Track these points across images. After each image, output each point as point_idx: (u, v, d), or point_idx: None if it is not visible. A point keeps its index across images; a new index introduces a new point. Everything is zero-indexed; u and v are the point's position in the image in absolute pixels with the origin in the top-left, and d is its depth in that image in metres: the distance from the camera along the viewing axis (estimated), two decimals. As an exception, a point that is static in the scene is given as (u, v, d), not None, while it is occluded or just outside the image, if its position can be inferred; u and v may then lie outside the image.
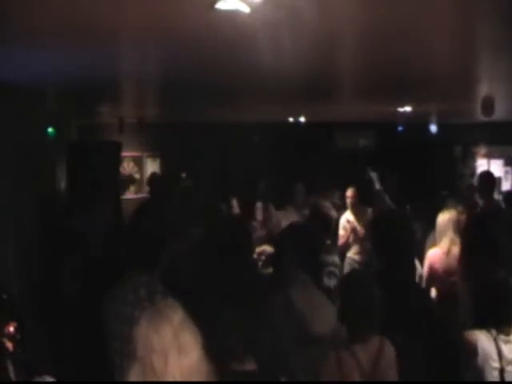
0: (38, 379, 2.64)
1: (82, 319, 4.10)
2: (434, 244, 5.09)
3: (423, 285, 4.86)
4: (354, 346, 2.96)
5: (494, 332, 3.19)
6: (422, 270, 5.10)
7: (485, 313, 3.27)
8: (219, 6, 2.98)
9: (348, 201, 7.73)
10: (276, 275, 4.16)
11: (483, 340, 3.19)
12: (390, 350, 3.00)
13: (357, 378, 2.92)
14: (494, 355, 3.14)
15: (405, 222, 3.89)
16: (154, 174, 9.51)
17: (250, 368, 2.72)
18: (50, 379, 2.66)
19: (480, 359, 3.16)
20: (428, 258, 4.93)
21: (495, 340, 3.17)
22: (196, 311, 2.40)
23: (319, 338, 3.41)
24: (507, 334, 3.19)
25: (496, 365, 3.14)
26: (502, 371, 3.14)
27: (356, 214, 7.55)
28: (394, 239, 3.61)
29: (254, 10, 3.05)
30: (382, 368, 2.95)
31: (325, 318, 3.46)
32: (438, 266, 4.78)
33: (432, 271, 4.84)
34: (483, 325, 3.24)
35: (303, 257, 3.71)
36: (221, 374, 2.44)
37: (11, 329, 2.86)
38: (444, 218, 4.99)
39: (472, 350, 3.18)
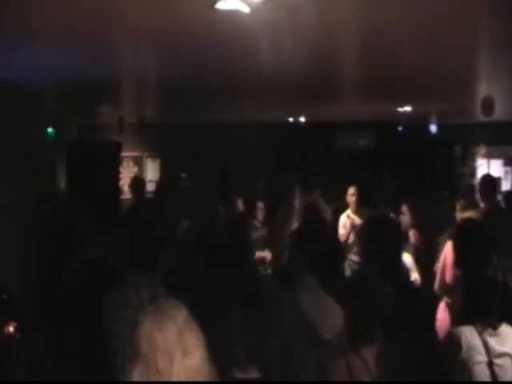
0: None
1: (82, 319, 4.10)
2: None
3: (437, 275, 5.00)
4: (362, 350, 2.91)
5: (479, 326, 3.21)
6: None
7: (473, 308, 3.31)
8: (219, 5, 2.98)
9: (349, 199, 7.74)
10: (286, 278, 4.16)
11: (467, 334, 3.21)
12: None
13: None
14: (480, 348, 3.16)
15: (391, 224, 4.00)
16: (136, 177, 9.52)
17: (253, 376, 2.67)
18: None
19: (464, 353, 3.18)
20: (445, 249, 5.04)
21: (480, 334, 3.19)
22: (197, 314, 2.40)
23: (326, 342, 3.40)
24: (494, 329, 3.21)
25: (482, 358, 3.15)
26: (490, 364, 3.15)
27: (357, 212, 7.55)
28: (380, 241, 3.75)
29: (254, 9, 3.05)
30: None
31: (332, 322, 3.45)
32: (451, 256, 4.84)
33: (444, 262, 4.94)
34: (471, 320, 3.27)
35: (314, 261, 3.71)
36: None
37: (11, 329, 2.86)
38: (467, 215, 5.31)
39: (456, 346, 3.21)
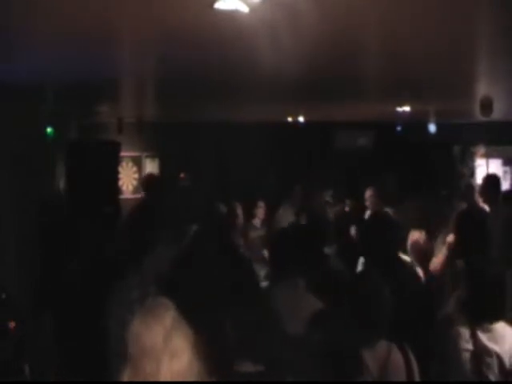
0: None
1: (84, 319, 4.11)
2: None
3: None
4: (363, 353, 2.80)
5: (472, 319, 3.21)
6: None
7: (469, 305, 3.29)
8: (218, 5, 2.99)
9: (368, 201, 7.53)
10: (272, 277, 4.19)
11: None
12: (397, 358, 2.89)
13: None
14: (466, 337, 3.16)
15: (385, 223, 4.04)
16: (149, 176, 9.45)
17: (253, 369, 2.65)
18: None
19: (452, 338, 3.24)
20: None
21: (471, 325, 3.18)
22: (194, 312, 2.40)
23: (294, 340, 3.42)
24: (489, 323, 3.19)
25: (468, 346, 3.15)
26: (478, 358, 3.13)
27: None
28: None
29: (253, 9, 3.06)
30: (389, 376, 2.85)
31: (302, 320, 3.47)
32: None
33: None
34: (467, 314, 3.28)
35: (297, 259, 3.73)
36: (222, 376, 2.42)
37: (11, 329, 2.87)
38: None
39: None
